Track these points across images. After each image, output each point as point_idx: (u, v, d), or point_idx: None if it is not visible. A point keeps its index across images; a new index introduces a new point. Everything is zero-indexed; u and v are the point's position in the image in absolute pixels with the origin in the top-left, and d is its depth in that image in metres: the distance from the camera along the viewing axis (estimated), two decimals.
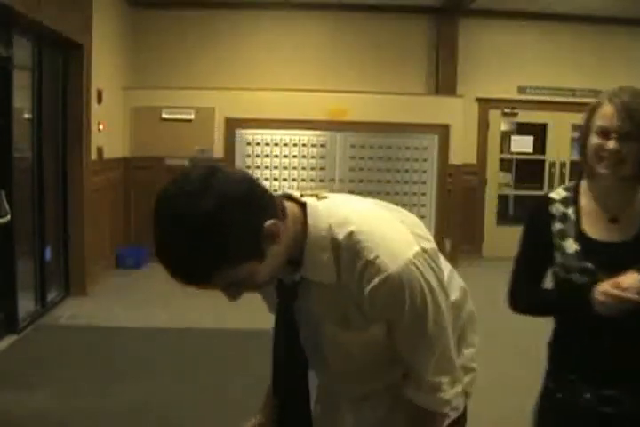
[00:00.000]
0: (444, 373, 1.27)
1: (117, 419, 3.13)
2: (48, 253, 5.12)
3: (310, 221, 1.17)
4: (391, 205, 1.33)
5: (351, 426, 1.46)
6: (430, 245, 1.24)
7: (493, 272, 6.84)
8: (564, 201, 1.61)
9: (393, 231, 1.19)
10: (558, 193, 1.65)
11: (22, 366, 3.79)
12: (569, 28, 7.51)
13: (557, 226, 1.60)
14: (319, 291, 1.20)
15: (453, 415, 1.40)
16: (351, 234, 1.16)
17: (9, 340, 4.24)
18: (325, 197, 1.22)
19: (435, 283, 1.20)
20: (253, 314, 5.46)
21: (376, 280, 1.14)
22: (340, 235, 1.16)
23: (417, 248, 1.18)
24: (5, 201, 4.00)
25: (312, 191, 1.24)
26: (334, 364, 1.34)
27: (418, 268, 1.16)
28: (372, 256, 1.14)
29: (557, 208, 1.61)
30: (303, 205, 1.19)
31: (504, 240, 7.64)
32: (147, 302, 5.28)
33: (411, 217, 1.31)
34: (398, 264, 1.14)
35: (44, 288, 4.99)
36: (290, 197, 1.20)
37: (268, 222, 1.07)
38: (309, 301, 1.23)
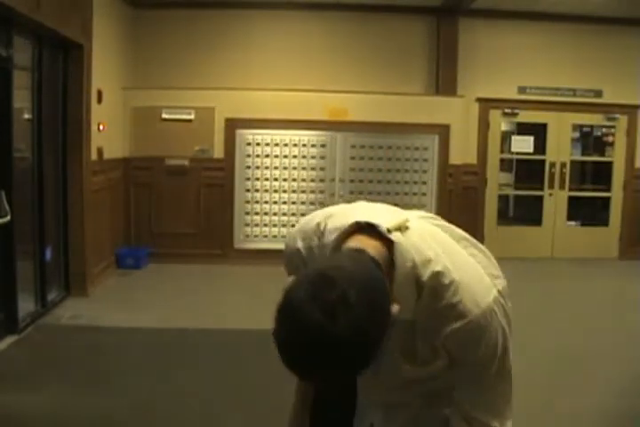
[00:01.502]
0: (497, 416, 1.24)
1: (118, 419, 3.12)
2: (48, 254, 5.12)
3: (398, 261, 1.12)
4: (461, 232, 1.30)
5: (380, 420, 1.43)
6: (502, 283, 1.24)
7: None
8: None
9: (474, 274, 1.19)
10: None
11: (22, 367, 3.78)
12: (569, 28, 7.51)
13: None
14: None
15: None
16: (436, 275, 1.13)
17: (9, 340, 4.24)
18: (407, 228, 1.16)
19: (507, 329, 1.20)
20: (253, 314, 5.46)
21: (457, 324, 1.13)
22: (425, 275, 1.13)
23: (495, 292, 1.18)
24: (5, 201, 4.00)
25: (397, 222, 1.15)
26: (382, 382, 1.32)
27: (496, 313, 1.16)
28: (455, 300, 1.13)
29: None
30: (388, 241, 1.12)
31: (504, 240, 7.65)
32: (147, 302, 5.28)
33: (478, 246, 1.28)
34: (479, 310, 1.14)
35: (44, 288, 4.98)
36: (369, 226, 1.13)
37: (394, 309, 1.03)
38: None
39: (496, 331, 1.17)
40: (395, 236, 1.12)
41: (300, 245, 1.32)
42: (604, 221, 7.91)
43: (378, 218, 1.14)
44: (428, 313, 1.14)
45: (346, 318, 0.89)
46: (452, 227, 1.31)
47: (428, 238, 1.18)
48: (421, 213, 1.33)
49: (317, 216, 1.33)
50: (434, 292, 1.13)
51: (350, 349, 0.91)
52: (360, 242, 1.10)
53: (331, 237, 1.20)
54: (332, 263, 1.02)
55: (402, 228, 1.14)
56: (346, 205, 1.38)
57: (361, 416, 1.48)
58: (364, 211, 1.24)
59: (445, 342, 1.15)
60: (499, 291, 1.20)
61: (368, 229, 1.13)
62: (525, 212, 8.29)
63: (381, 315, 0.96)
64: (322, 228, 1.27)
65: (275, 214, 6.92)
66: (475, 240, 1.30)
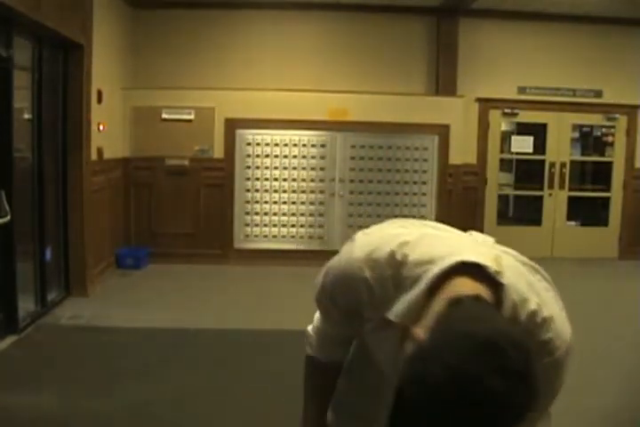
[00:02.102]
0: None
1: (118, 419, 3.12)
2: (48, 254, 5.12)
3: (505, 305, 1.05)
4: (532, 264, 1.25)
5: None
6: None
7: None
8: None
9: (559, 310, 1.17)
10: None
11: (22, 367, 3.78)
12: (569, 28, 7.51)
13: None
14: None
15: None
16: (533, 314, 1.10)
17: (9, 340, 4.24)
18: (501, 264, 1.09)
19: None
20: (253, 314, 5.46)
21: (545, 361, 1.10)
22: (523, 315, 1.08)
23: (571, 330, 1.17)
24: (5, 201, 4.00)
25: (495, 260, 1.07)
26: None
27: (571, 351, 1.15)
28: (547, 337, 1.11)
29: None
30: (493, 283, 1.04)
31: (504, 240, 7.60)
32: (147, 302, 5.28)
33: (548, 279, 1.24)
34: (564, 347, 1.13)
35: (44, 288, 4.98)
36: (475, 266, 1.04)
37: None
38: None
39: (566, 367, 1.15)
40: (505, 280, 1.04)
41: (367, 274, 1.18)
42: (604, 221, 7.92)
43: (476, 255, 1.07)
44: None
45: (526, 386, 0.83)
46: (524, 257, 1.25)
47: (518, 276, 1.13)
48: (495, 243, 1.26)
49: (387, 243, 1.19)
50: (529, 330, 1.09)
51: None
52: (466, 286, 1.01)
53: (416, 271, 1.11)
54: (484, 325, 0.89)
55: (498, 266, 1.06)
56: (408, 223, 1.28)
57: None
58: (450, 242, 1.17)
59: None
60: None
61: (472, 268, 1.04)
62: (525, 212, 8.29)
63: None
64: (399, 258, 1.15)
65: (275, 214, 6.92)
66: (542, 270, 1.24)
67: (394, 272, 1.15)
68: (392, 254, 1.16)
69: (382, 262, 1.17)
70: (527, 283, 1.13)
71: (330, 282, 1.28)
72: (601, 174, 8.09)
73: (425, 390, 0.80)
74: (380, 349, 1.24)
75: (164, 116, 6.81)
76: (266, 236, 6.96)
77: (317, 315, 1.44)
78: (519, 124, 7.79)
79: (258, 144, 6.90)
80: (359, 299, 1.20)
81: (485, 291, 1.01)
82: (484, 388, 0.80)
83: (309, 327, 1.47)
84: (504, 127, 7.79)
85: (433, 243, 1.16)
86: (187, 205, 6.91)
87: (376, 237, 1.26)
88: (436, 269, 1.06)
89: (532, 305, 1.09)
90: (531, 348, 0.87)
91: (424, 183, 7.03)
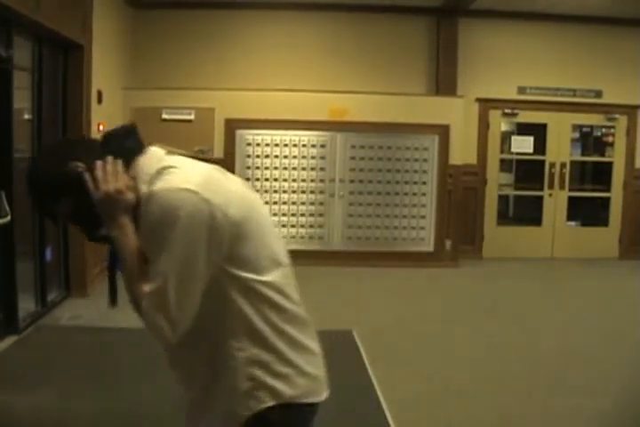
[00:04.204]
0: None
1: (118, 419, 3.12)
2: (48, 254, 5.11)
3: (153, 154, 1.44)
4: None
5: None
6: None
7: (493, 272, 6.88)
8: None
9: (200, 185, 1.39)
10: None
11: (22, 367, 3.78)
12: (569, 29, 7.51)
13: None
14: None
15: (270, 402, 1.36)
16: (164, 167, 1.38)
17: (9, 340, 4.24)
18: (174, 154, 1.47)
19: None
20: None
21: (150, 205, 1.34)
22: (158, 165, 1.41)
23: (200, 204, 1.36)
24: (5, 201, 4.00)
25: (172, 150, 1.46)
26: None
27: (189, 214, 1.33)
28: (158, 186, 1.36)
29: None
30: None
31: (504, 240, 7.66)
32: None
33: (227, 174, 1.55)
34: (172, 201, 1.34)
35: (44, 289, 4.98)
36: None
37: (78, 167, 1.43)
38: None
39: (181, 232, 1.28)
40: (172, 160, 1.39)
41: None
42: (604, 222, 7.92)
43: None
44: None
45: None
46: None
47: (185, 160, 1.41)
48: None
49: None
50: (152, 176, 1.35)
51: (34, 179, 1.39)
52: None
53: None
54: (69, 149, 1.43)
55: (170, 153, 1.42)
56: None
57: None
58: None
59: None
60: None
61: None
62: (525, 212, 8.29)
63: (53, 161, 1.37)
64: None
65: (275, 215, 6.92)
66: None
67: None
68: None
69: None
70: (192, 163, 1.39)
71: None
72: (601, 174, 8.09)
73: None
74: None
75: (164, 116, 6.81)
76: None
77: None
78: (519, 125, 7.79)
79: (258, 144, 6.90)
80: None
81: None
82: (30, 173, 1.40)
83: None
84: (504, 127, 7.79)
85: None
86: None
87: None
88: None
89: (167, 164, 1.35)
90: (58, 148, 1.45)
91: (424, 183, 7.03)
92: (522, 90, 7.60)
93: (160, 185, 1.28)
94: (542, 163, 7.77)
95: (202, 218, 1.27)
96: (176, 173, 1.31)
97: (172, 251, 1.26)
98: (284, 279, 1.41)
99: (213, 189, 1.31)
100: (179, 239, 1.25)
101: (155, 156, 1.39)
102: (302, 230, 6.98)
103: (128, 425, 3.10)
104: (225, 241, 1.30)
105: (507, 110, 7.62)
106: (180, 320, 1.30)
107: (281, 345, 1.36)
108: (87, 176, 1.33)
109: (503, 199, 8.07)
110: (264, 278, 1.35)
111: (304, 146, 6.93)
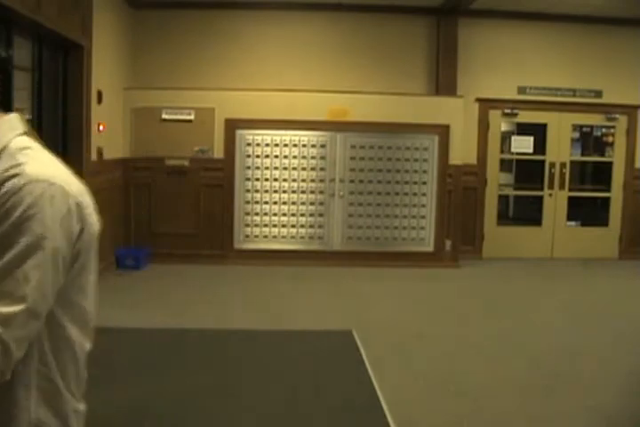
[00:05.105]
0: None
1: (117, 419, 3.12)
2: None
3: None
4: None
5: None
6: None
7: (493, 272, 6.89)
8: None
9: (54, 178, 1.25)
10: None
11: None
12: (569, 29, 7.52)
13: None
14: None
15: None
16: (21, 148, 1.22)
17: None
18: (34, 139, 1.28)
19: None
20: (253, 314, 5.45)
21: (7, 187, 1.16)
22: (16, 146, 1.26)
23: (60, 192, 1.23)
24: None
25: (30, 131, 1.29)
26: None
27: (45, 200, 1.17)
28: (18, 162, 1.20)
29: None
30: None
31: (504, 240, 7.66)
32: (146, 303, 5.28)
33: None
34: (32, 186, 1.20)
35: None
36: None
37: None
38: None
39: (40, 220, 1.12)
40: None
41: None
42: (604, 222, 7.92)
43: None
44: None
45: None
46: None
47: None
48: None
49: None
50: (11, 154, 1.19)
51: None
52: None
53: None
54: None
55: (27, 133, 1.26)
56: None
57: None
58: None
59: None
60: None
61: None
62: (525, 212, 8.29)
63: None
64: None
65: (275, 215, 6.93)
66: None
67: None
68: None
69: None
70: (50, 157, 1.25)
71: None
72: (601, 174, 8.09)
73: None
74: None
75: (164, 116, 6.81)
76: (266, 236, 6.96)
77: None
78: (519, 125, 7.79)
79: (258, 144, 6.90)
80: None
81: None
82: None
83: None
84: (504, 127, 7.79)
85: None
86: (187, 205, 6.91)
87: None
88: None
89: (26, 144, 1.22)
90: None
91: (424, 183, 7.03)
92: (522, 90, 7.60)
93: (32, 172, 1.16)
94: (542, 163, 7.77)
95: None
96: (47, 166, 1.21)
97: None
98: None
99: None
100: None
101: (12, 122, 1.24)
102: (302, 230, 6.98)
103: (128, 425, 3.10)
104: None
105: (507, 110, 7.62)
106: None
107: None
108: None
109: (503, 199, 8.07)
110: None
111: (304, 146, 6.93)
